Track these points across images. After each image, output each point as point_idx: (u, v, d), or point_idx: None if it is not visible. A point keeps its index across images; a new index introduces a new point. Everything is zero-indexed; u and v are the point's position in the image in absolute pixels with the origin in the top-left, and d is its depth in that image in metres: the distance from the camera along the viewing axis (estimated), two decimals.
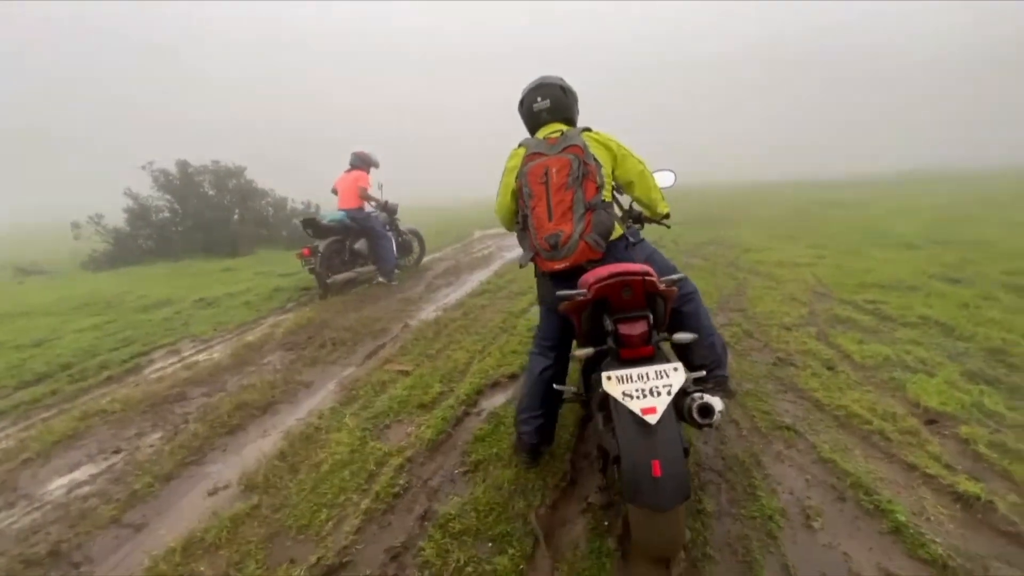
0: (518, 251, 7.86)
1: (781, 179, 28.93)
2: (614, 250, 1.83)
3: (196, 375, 3.44)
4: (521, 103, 2.05)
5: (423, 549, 1.64)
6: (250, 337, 4.29)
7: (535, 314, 4.29)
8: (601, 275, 1.50)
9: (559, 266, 1.76)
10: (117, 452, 2.48)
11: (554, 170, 1.75)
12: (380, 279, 6.06)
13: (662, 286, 1.52)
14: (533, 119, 2.02)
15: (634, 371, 1.36)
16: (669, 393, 1.33)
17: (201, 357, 3.89)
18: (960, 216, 9.16)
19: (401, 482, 2.03)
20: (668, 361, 1.41)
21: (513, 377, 3.05)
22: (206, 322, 4.86)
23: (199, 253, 10.26)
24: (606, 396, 1.44)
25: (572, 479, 2.01)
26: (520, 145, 1.97)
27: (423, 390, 2.89)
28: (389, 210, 6.34)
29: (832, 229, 8.63)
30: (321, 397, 2.99)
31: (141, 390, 3.25)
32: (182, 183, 10.90)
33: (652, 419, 1.30)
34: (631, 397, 1.33)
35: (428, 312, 4.79)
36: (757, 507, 1.78)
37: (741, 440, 2.22)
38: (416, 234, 7.12)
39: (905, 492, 1.84)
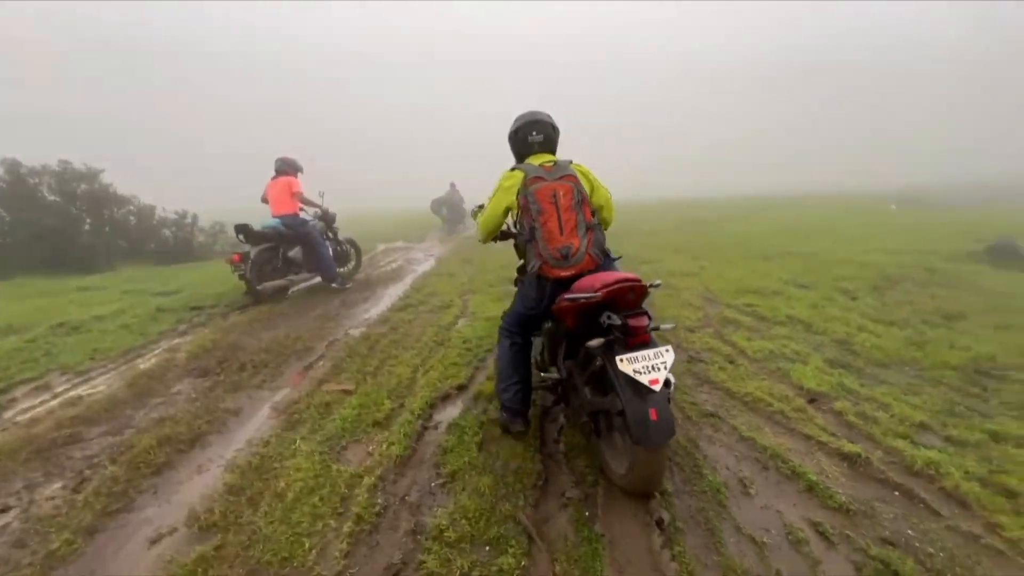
0: (427, 265, 7.83)
1: (712, 195, 32.26)
2: (602, 262, 2.26)
3: (87, 412, 2.94)
4: (516, 132, 2.36)
5: (424, 562, 1.66)
6: (145, 365, 3.76)
7: (465, 327, 4.38)
8: (608, 280, 1.88)
9: (565, 273, 2.13)
10: (4, 510, 2.06)
11: (561, 193, 2.13)
12: (333, 285, 6.17)
13: (651, 289, 1.96)
14: (525, 148, 2.34)
15: (639, 354, 1.77)
16: (666, 368, 1.77)
17: (84, 391, 3.32)
18: (804, 230, 11.13)
19: (379, 501, 2.00)
20: (659, 345, 1.82)
21: (462, 389, 3.12)
22: (76, 350, 4.14)
23: (39, 269, 8.57)
24: (596, 373, 1.96)
25: (546, 478, 2.15)
26: (515, 169, 2.25)
27: (373, 408, 2.83)
28: (328, 219, 6.34)
29: (710, 240, 9.95)
30: (257, 424, 2.76)
31: (12, 435, 2.70)
32: (11, 187, 9.05)
33: (657, 387, 1.74)
34: (640, 373, 1.74)
35: (352, 328, 4.61)
36: (706, 483, 2.08)
37: (679, 428, 2.55)
38: (353, 243, 7.03)
39: (807, 457, 2.28)
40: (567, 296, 1.97)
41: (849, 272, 6.57)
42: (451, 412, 2.81)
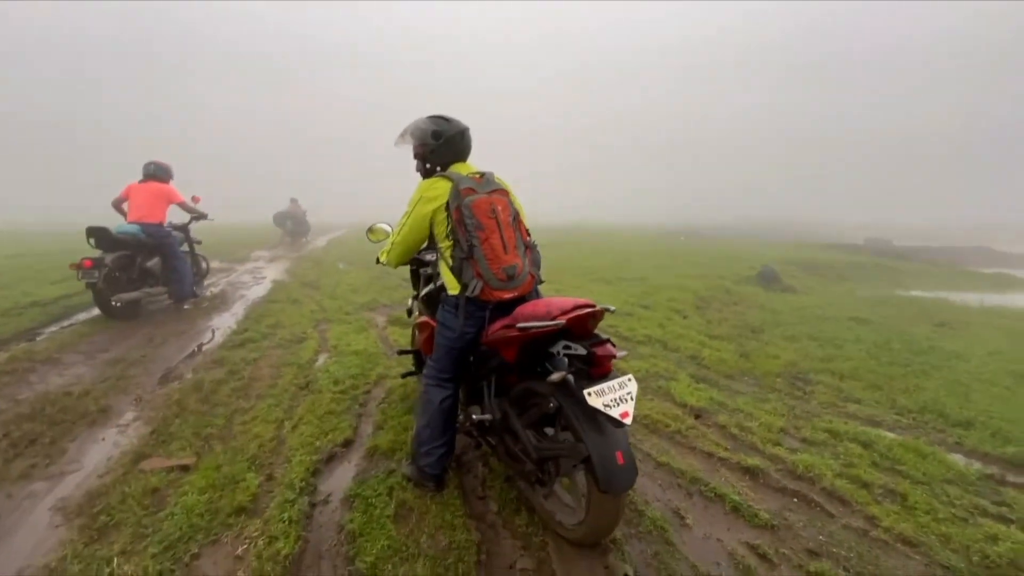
0: (260, 289, 6.69)
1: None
2: (536, 285, 2.12)
3: None
4: (443, 135, 2.03)
5: None
6: None
7: (332, 365, 3.73)
8: (565, 307, 1.73)
9: (509, 295, 1.92)
10: None
11: (499, 208, 1.92)
12: (186, 307, 5.67)
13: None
14: (456, 155, 2.06)
15: (606, 385, 1.61)
16: (632, 399, 1.63)
17: None
18: (627, 258, 12.65)
19: None
20: (620, 375, 1.68)
21: (349, 445, 2.56)
22: None
23: None
24: (547, 414, 1.80)
25: (487, 549, 1.82)
26: (439, 177, 1.96)
27: (230, 487, 2.11)
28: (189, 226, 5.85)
29: (560, 266, 10.59)
30: (37, 537, 1.81)
31: None
32: None
33: (628, 421, 1.58)
34: (611, 407, 1.57)
35: (170, 374, 3.54)
36: (648, 522, 2.01)
37: None
38: (204, 258, 6.42)
39: (716, 475, 2.40)
40: (520, 325, 1.74)
41: (675, 295, 7.61)
42: (343, 479, 2.26)
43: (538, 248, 2.22)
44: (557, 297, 1.85)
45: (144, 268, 5.23)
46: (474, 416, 2.11)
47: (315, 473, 2.27)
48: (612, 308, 1.90)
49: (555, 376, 1.66)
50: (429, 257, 2.60)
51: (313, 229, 16.98)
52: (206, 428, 2.67)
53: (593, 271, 9.85)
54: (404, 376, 3.02)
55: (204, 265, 6.40)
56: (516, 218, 1.99)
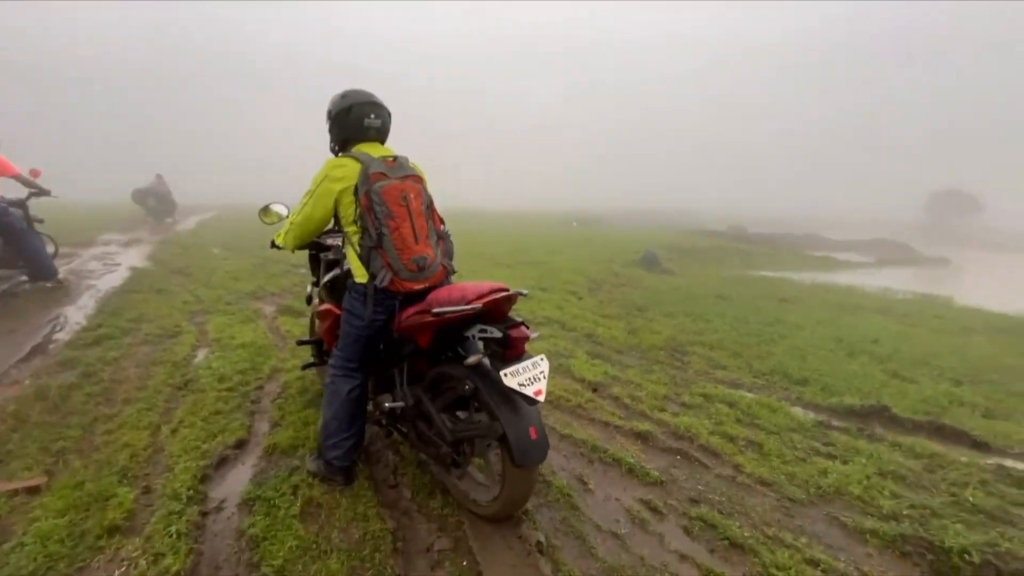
0: (114, 278, 5.80)
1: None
2: (449, 275, 2.11)
3: None
4: (347, 111, 1.92)
5: None
6: None
7: (215, 360, 3.37)
8: (481, 291, 1.77)
9: (419, 286, 1.88)
10: None
11: (412, 195, 1.85)
12: (48, 284, 5.18)
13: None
14: (358, 133, 1.94)
15: (520, 366, 1.67)
16: (545, 377, 1.71)
17: None
18: (523, 243, 12.99)
19: None
20: (532, 356, 1.75)
21: (243, 445, 2.36)
22: None
23: None
24: (455, 397, 1.87)
25: (403, 536, 1.81)
26: (348, 156, 1.86)
27: (97, 506, 1.83)
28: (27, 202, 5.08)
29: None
30: None
31: None
32: None
33: (541, 399, 1.66)
34: (525, 386, 1.65)
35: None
36: (555, 491, 2.15)
37: None
38: (51, 238, 5.59)
39: (613, 442, 2.63)
40: (435, 310, 1.74)
41: (571, 278, 8.03)
42: (238, 481, 2.09)
43: (451, 238, 2.22)
44: (471, 282, 1.88)
45: None
46: (386, 404, 2.06)
47: (204, 479, 2.06)
48: (525, 292, 1.97)
49: (472, 359, 1.71)
50: (330, 241, 2.48)
51: (180, 209, 15.07)
52: (57, 442, 2.28)
53: (493, 256, 9.99)
54: (304, 368, 2.85)
55: (52, 247, 5.60)
56: (429, 206, 1.96)
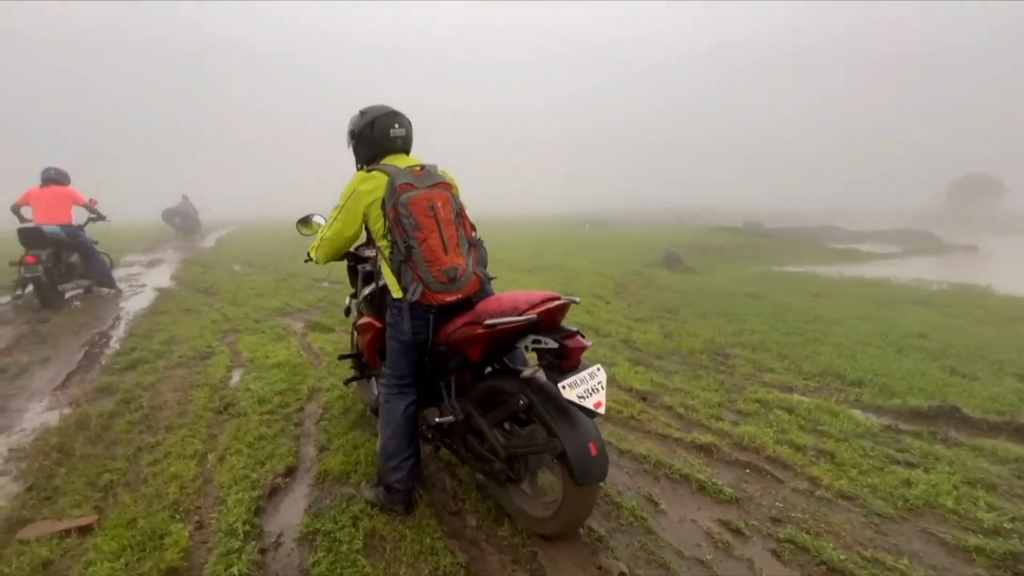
0: (138, 298, 5.83)
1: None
2: (485, 284, 2.02)
3: None
4: (370, 125, 1.91)
5: None
6: None
7: (252, 382, 3.30)
8: (534, 300, 1.70)
9: (452, 298, 1.82)
10: None
11: (439, 204, 1.78)
12: (106, 290, 6.30)
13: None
14: (385, 145, 1.92)
15: (578, 376, 1.59)
16: (603, 388, 1.63)
17: None
18: (538, 246, 12.88)
19: None
20: (588, 365, 1.67)
21: (293, 472, 2.26)
22: None
23: None
24: (508, 411, 1.79)
25: (475, 571, 1.70)
26: (375, 169, 1.83)
27: (153, 546, 1.74)
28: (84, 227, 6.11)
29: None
30: None
31: None
32: None
33: (601, 411, 1.59)
34: (584, 398, 1.57)
35: (35, 410, 2.90)
36: (626, 513, 2.01)
37: None
38: (107, 255, 6.57)
39: (675, 456, 2.49)
40: (488, 322, 1.68)
41: (595, 281, 7.89)
42: (294, 513, 1.99)
43: (484, 244, 2.13)
44: (521, 291, 1.81)
45: (69, 263, 5.87)
46: (435, 420, 1.99)
47: (258, 512, 1.97)
48: (578, 300, 1.85)
49: (528, 372, 1.67)
50: (368, 253, 2.43)
51: (203, 226, 16.69)
52: (103, 475, 2.20)
53: (511, 262, 9.88)
54: (347, 383, 2.77)
55: (109, 262, 6.62)
56: (459, 214, 1.89)
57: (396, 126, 1.91)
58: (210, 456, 2.36)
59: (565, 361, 1.63)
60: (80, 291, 6.12)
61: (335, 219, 1.88)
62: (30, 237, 5.41)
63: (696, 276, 9.74)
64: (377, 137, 1.90)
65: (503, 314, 1.68)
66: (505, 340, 1.76)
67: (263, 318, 5.12)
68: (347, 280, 2.62)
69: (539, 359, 1.68)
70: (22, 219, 5.76)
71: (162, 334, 4.47)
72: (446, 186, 1.87)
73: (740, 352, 4.45)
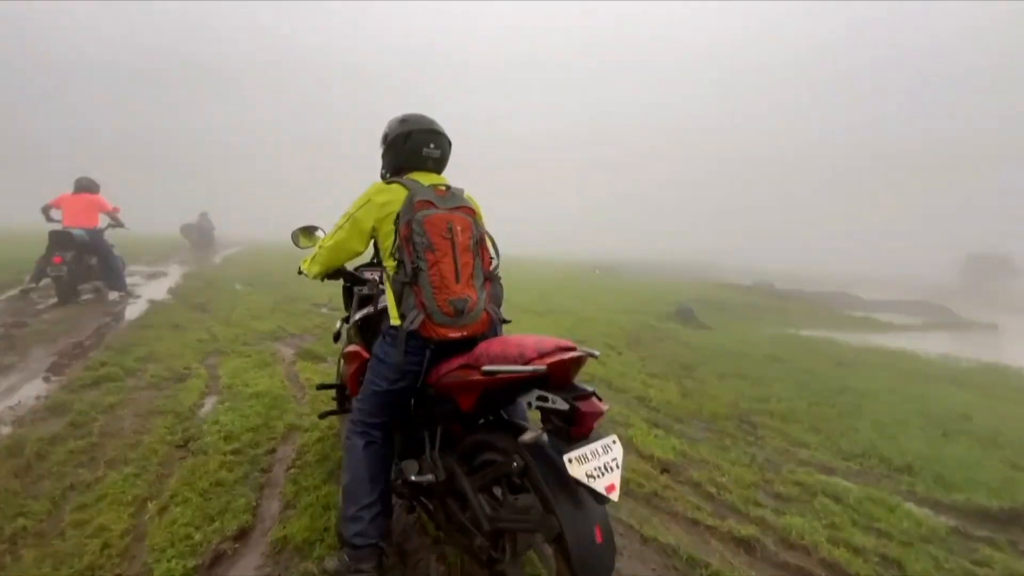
0: (129, 309, 5.51)
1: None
2: (495, 324, 1.74)
3: None
4: (405, 136, 1.71)
5: None
6: None
7: (224, 413, 2.92)
8: (545, 348, 1.39)
9: (455, 334, 1.58)
10: None
11: (458, 227, 1.59)
12: (122, 293, 6.63)
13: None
14: (414, 161, 1.72)
15: (588, 449, 1.30)
16: (618, 467, 1.33)
17: None
18: (547, 289, 12.58)
19: None
20: (602, 436, 1.36)
21: (244, 536, 1.86)
22: None
23: None
24: (498, 474, 1.47)
25: None
26: (396, 182, 1.63)
27: None
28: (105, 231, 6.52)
29: None
30: None
31: None
32: None
33: (614, 496, 1.28)
34: (594, 477, 1.26)
35: None
36: None
37: None
38: (121, 259, 6.86)
39: (709, 549, 2.06)
40: (486, 368, 1.40)
41: (606, 329, 7.52)
42: None
43: (501, 281, 1.84)
44: (530, 336, 1.48)
45: (88, 265, 6.21)
46: (412, 476, 1.67)
47: None
48: (597, 353, 1.54)
49: (528, 437, 1.35)
50: (368, 275, 2.16)
51: (217, 243, 16.82)
52: (17, 519, 1.80)
53: (520, 303, 9.56)
54: (323, 416, 2.42)
55: (122, 264, 6.95)
56: (479, 243, 1.67)
57: (432, 145, 1.72)
58: (151, 505, 1.96)
59: (575, 427, 1.33)
60: (93, 292, 6.54)
61: (341, 227, 1.66)
62: (59, 239, 5.81)
63: (711, 333, 9.34)
64: (408, 150, 1.72)
65: (506, 360, 1.39)
66: (505, 391, 1.46)
67: (253, 341, 4.77)
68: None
69: (543, 420, 1.39)
70: (49, 219, 6.25)
71: (140, 349, 4.12)
72: (469, 211, 1.68)
73: (768, 421, 4.02)
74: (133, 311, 5.93)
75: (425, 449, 1.66)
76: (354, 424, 1.67)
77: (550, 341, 1.43)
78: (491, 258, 1.77)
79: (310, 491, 2.14)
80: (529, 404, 1.41)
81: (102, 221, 6.41)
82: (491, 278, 1.74)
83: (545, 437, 1.35)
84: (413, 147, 1.70)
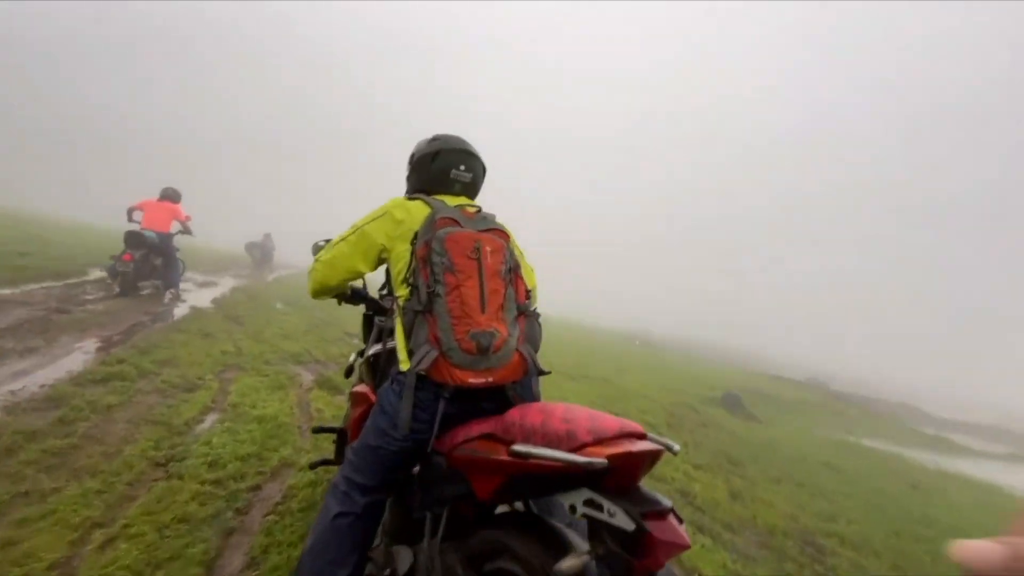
0: (167, 313, 5.54)
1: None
2: (531, 371, 1.34)
3: None
4: (433, 156, 1.49)
5: None
6: None
7: (218, 434, 2.65)
8: (604, 431, 0.97)
9: (477, 381, 1.21)
10: None
11: (488, 249, 1.29)
12: (173, 291, 7.21)
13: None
14: (441, 184, 1.49)
15: None
16: None
17: None
18: (582, 355, 12.04)
19: None
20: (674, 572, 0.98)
21: None
22: None
23: None
24: None
25: None
26: (420, 199, 1.39)
27: None
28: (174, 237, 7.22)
29: None
30: None
31: None
32: None
33: None
34: None
35: None
36: None
37: None
38: (182, 262, 7.57)
39: None
40: (517, 448, 1.00)
41: (645, 405, 6.91)
42: None
43: (539, 320, 1.47)
44: (581, 408, 1.07)
45: (153, 264, 6.86)
46: (402, 572, 1.29)
47: None
48: (677, 448, 1.08)
49: (568, 565, 0.91)
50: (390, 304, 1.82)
51: (275, 264, 17.69)
52: None
53: (554, 365, 9.10)
54: (313, 467, 2.06)
55: (182, 267, 7.68)
56: (512, 271, 1.34)
57: (462, 167, 1.49)
58: (98, 533, 1.66)
59: (641, 558, 0.90)
60: (152, 288, 7.08)
61: (344, 239, 1.40)
62: (132, 239, 6.51)
63: (760, 426, 8.47)
64: (435, 171, 1.49)
65: (547, 439, 1.00)
66: (539, 483, 1.06)
67: (275, 360, 4.59)
68: None
69: (592, 536, 0.96)
70: (131, 220, 6.93)
71: (163, 352, 4.00)
72: (502, 233, 1.38)
73: (837, 547, 3.34)
74: (172, 314, 5.96)
75: (422, 536, 1.27)
76: (338, 482, 1.31)
77: (611, 421, 1.02)
78: (528, 290, 1.42)
79: (282, 548, 1.77)
80: (572, 507, 0.98)
81: (173, 227, 7.02)
82: (527, 313, 1.37)
83: (594, 567, 0.94)
84: (441, 168, 1.47)
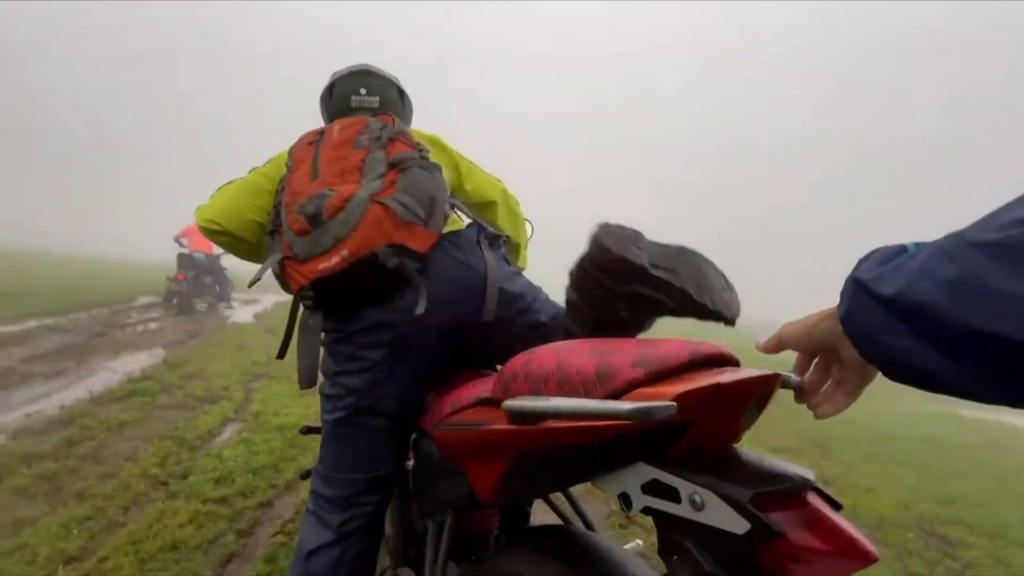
0: (209, 326, 5.49)
1: None
2: (453, 248, 0.92)
3: None
4: (329, 89, 1.22)
5: None
6: None
7: (233, 446, 2.41)
8: (667, 357, 0.50)
9: (328, 264, 0.81)
10: None
11: (336, 128, 1.00)
12: (224, 305, 8.14)
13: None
14: (343, 104, 1.19)
15: None
16: None
17: None
18: None
19: None
20: None
21: None
22: None
23: None
24: None
25: None
26: None
27: None
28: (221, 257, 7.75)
29: None
30: None
31: None
32: None
33: None
34: None
35: None
36: None
37: None
38: (230, 280, 8.24)
39: None
40: (510, 403, 0.55)
41: None
42: None
43: (437, 171, 0.94)
44: (632, 339, 0.65)
45: (204, 283, 7.63)
46: None
47: None
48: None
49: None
50: None
51: None
52: None
53: None
54: (304, 477, 1.74)
55: (231, 286, 8.35)
56: (382, 139, 0.94)
57: (362, 91, 1.20)
58: (64, 572, 1.40)
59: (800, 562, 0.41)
60: (206, 305, 7.84)
61: (254, 169, 1.11)
62: (184, 261, 7.24)
63: None
64: (335, 104, 1.21)
65: (568, 385, 0.54)
66: (563, 464, 0.57)
67: None
68: None
69: (666, 548, 0.48)
70: (180, 245, 7.43)
71: (192, 366, 3.88)
72: (385, 117, 1.04)
73: (967, 537, 2.74)
74: (210, 328, 5.95)
75: (424, 557, 0.90)
76: (309, 501, 0.97)
77: (675, 345, 0.54)
78: (412, 146, 0.95)
79: None
80: (624, 498, 0.52)
81: (217, 248, 7.44)
82: (402, 165, 0.89)
83: None
84: (340, 96, 1.20)
